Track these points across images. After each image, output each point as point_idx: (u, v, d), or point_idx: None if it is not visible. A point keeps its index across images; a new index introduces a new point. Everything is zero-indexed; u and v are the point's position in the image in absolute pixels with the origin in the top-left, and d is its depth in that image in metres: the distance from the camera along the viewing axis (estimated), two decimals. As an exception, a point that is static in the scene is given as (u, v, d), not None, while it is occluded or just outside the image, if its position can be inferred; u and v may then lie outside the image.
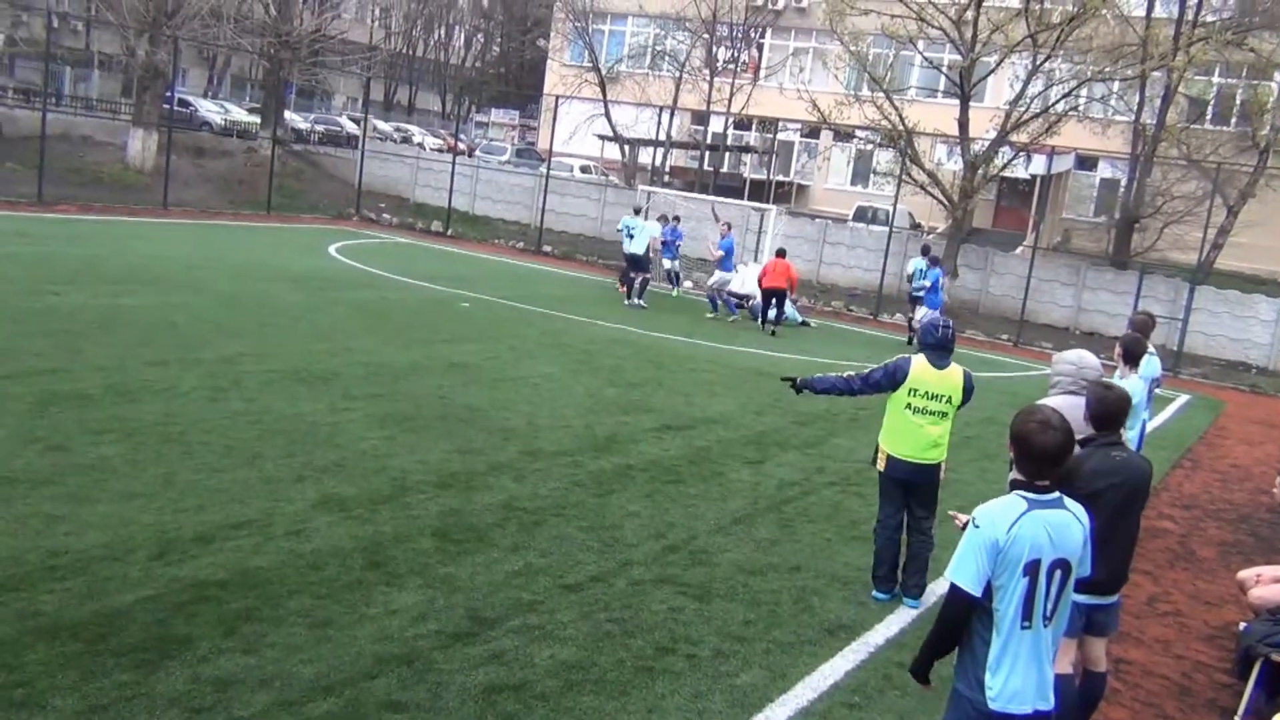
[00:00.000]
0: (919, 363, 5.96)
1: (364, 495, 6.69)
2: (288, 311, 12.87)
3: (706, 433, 9.53)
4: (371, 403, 8.93)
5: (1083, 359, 5.40)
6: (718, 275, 18.49)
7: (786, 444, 9.57)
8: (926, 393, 5.93)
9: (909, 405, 5.94)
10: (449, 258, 22.49)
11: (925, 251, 17.28)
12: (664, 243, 19.30)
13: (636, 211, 19.41)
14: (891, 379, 5.95)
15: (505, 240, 26.81)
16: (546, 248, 26.00)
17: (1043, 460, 3.32)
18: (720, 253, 18.41)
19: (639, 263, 18.05)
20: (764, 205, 23.64)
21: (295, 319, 12.42)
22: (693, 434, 9.41)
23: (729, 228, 19.28)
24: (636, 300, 17.68)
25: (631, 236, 18.22)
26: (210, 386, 8.75)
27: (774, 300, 17.79)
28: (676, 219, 19.78)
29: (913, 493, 6.14)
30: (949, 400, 5.99)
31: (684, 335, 15.43)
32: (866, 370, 6.04)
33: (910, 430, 5.98)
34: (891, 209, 24.64)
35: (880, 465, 6.09)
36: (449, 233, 26.81)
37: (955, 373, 6.02)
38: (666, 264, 19.74)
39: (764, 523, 7.27)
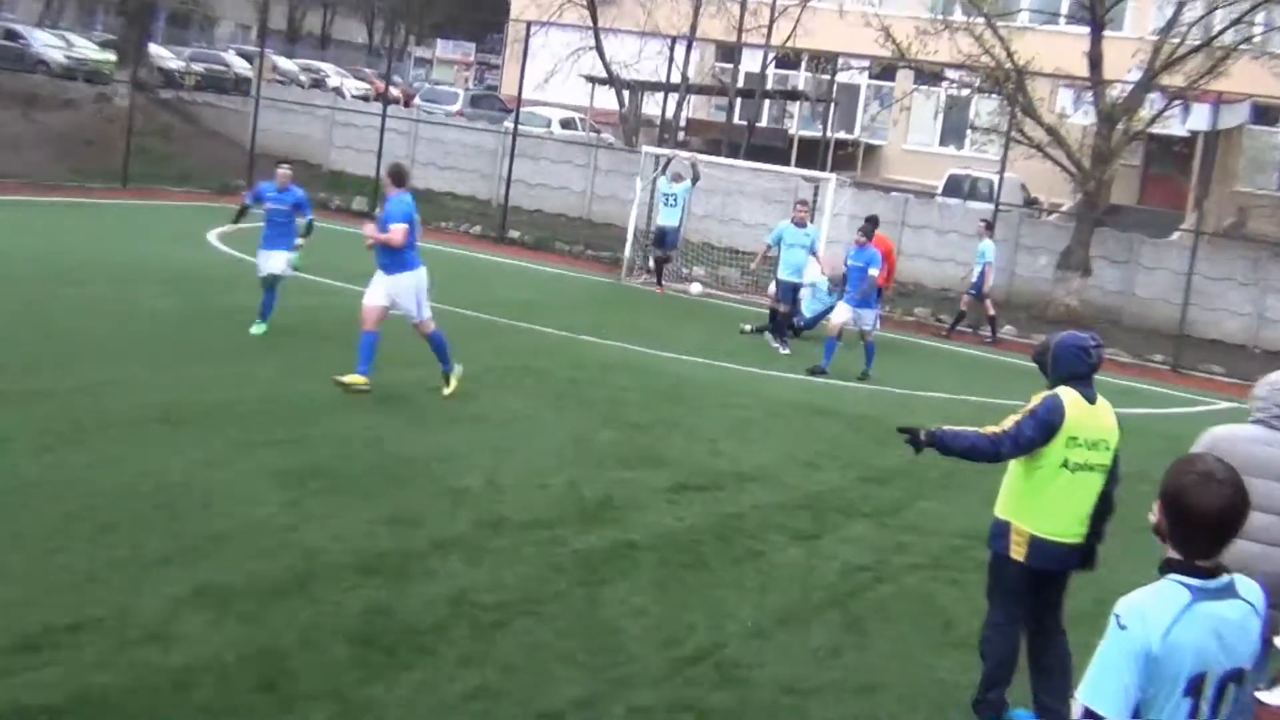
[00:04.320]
0: (1072, 400, 5.81)
1: (255, 585, 6.64)
2: (152, 323, 12.85)
3: (739, 495, 9.48)
4: (269, 452, 8.90)
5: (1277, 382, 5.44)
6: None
7: (853, 511, 9.52)
8: (1087, 440, 5.82)
9: (1066, 462, 5.83)
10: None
11: (867, 233, 15.89)
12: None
13: (800, 220, 17.28)
14: (1046, 430, 5.79)
15: (455, 223, 26.85)
16: (513, 234, 26.04)
17: (1204, 528, 3.25)
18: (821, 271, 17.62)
19: (788, 292, 17.18)
20: (818, 174, 23.71)
21: (162, 334, 12.41)
22: (720, 496, 9.36)
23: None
24: (776, 343, 16.76)
25: (787, 246, 16.96)
26: (41, 430, 8.72)
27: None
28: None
29: (1051, 584, 6.05)
30: (1107, 448, 5.91)
31: (706, 355, 15.42)
32: (1014, 423, 5.84)
33: (1066, 497, 5.85)
34: (997, 179, 24.67)
35: (1018, 552, 5.94)
36: (377, 213, 26.81)
37: (1107, 408, 5.96)
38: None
39: (821, 624, 7.22)
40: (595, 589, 7.23)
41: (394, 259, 11.22)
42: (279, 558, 7.05)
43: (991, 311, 20.83)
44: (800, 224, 17.05)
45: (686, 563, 7.84)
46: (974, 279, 20.49)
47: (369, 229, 11.26)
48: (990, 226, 20.94)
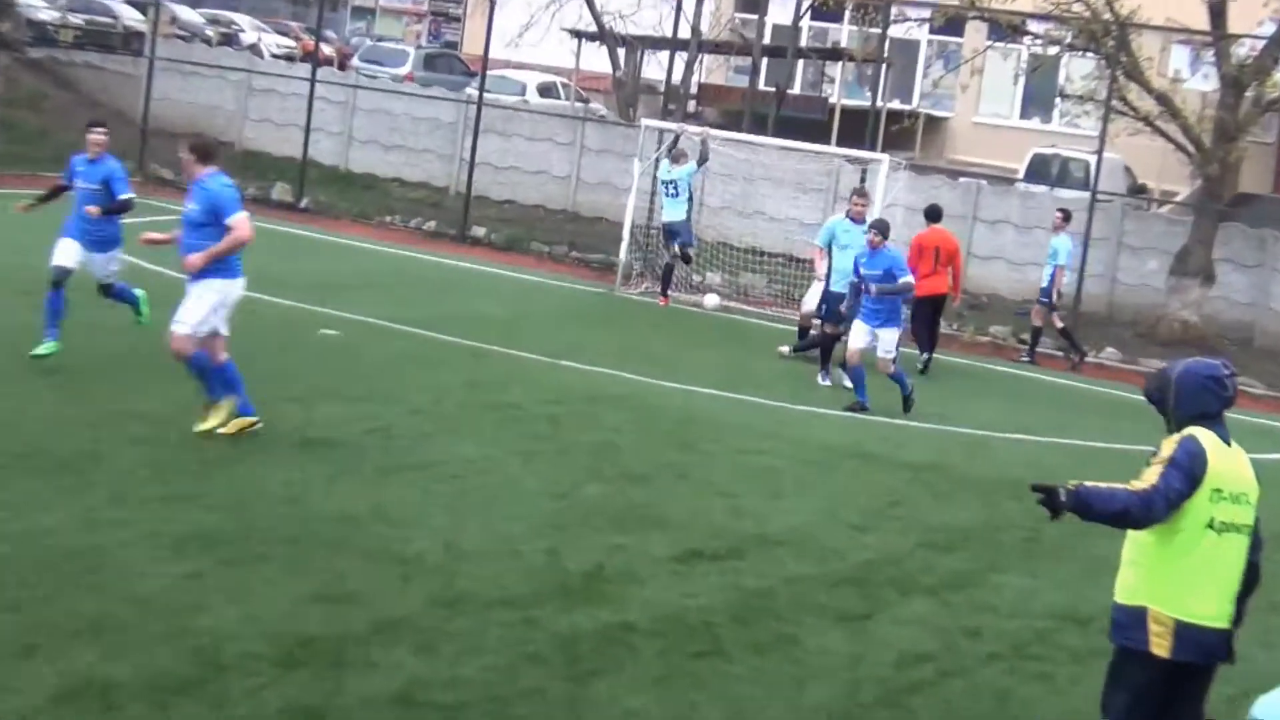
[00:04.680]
0: (1211, 444, 5.81)
1: (146, 680, 6.60)
2: (15, 345, 12.83)
3: (766, 564, 9.49)
4: (163, 511, 8.88)
5: None
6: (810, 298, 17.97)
7: (911, 585, 9.51)
8: (1230, 494, 5.84)
9: (1211, 521, 5.81)
10: (304, 248, 22.49)
11: (882, 230, 15.62)
12: None
13: (859, 214, 17.18)
14: (1191, 480, 5.79)
15: (404, 218, 26.87)
16: (478, 231, 26.06)
17: None
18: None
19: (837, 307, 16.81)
20: (866, 153, 23.74)
21: (27, 359, 12.38)
22: (741, 567, 9.35)
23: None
24: (824, 377, 16.61)
25: (840, 248, 16.90)
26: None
27: (929, 316, 17.89)
28: None
29: (1192, 681, 5.99)
30: (1249, 502, 5.90)
31: (723, 386, 15.42)
32: (1158, 475, 5.77)
33: (1213, 567, 5.82)
34: (1094, 160, 24.70)
35: (1160, 646, 5.86)
36: (304, 204, 26.89)
37: (1243, 454, 5.96)
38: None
39: (871, 729, 7.18)
40: (580, 685, 7.20)
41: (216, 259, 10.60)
42: (177, 645, 7.00)
43: (1060, 324, 20.74)
44: (859, 219, 16.95)
45: (698, 651, 7.81)
46: (1045, 283, 20.53)
47: (190, 261, 10.45)
48: (1067, 218, 20.88)
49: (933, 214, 18.71)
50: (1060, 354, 21.34)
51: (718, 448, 12.61)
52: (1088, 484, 5.85)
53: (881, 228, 15.55)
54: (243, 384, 10.78)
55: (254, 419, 10.75)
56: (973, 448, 14.16)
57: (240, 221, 10.51)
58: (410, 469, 10.60)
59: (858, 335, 15.34)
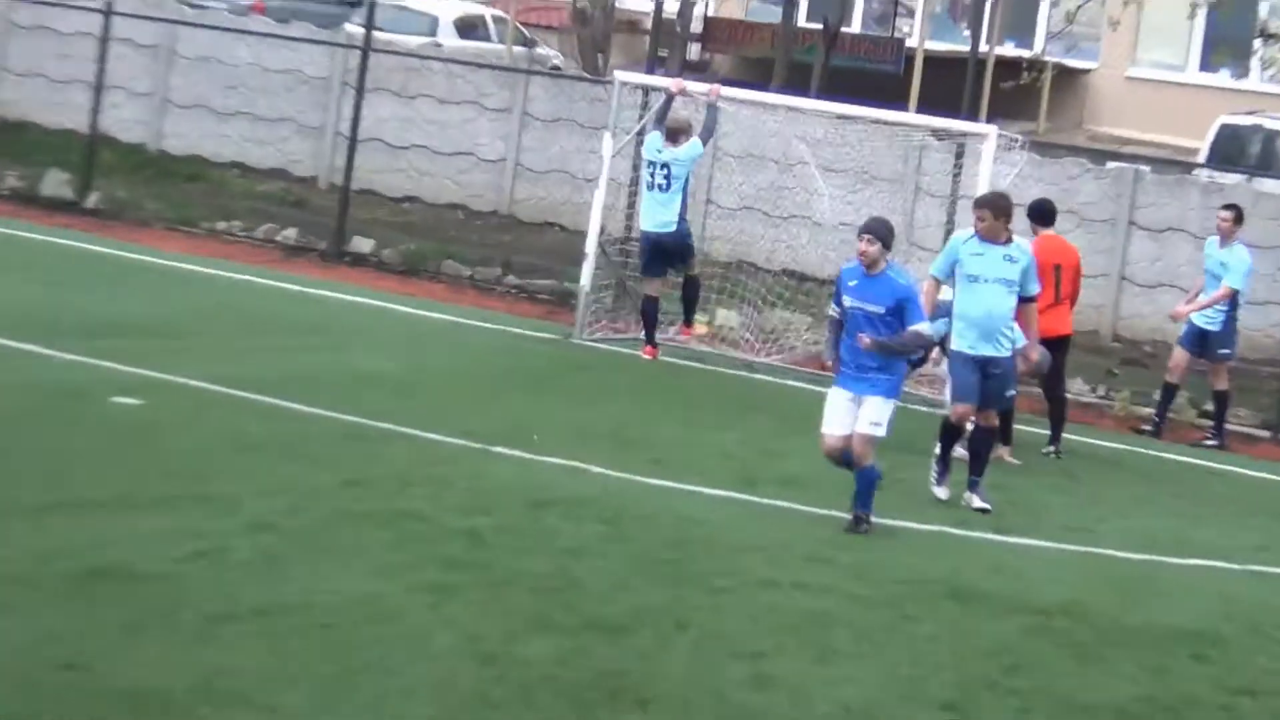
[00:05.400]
0: None
1: None
2: None
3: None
4: None
5: None
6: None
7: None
8: None
9: None
10: (90, 271, 22.49)
11: (881, 235, 14.72)
12: None
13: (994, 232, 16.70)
14: None
15: (249, 224, 26.87)
16: (361, 245, 26.08)
17: None
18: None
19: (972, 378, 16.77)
20: (964, 124, 23.81)
21: None
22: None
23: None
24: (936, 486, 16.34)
25: (967, 282, 16.39)
26: None
27: (1052, 369, 18.14)
28: None
29: None
30: None
31: (739, 485, 15.55)
32: None
33: None
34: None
35: None
36: (92, 203, 26.89)
37: None
38: None
39: None
40: None
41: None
42: None
43: (1222, 385, 20.59)
44: (996, 239, 16.10)
45: None
46: (1213, 319, 20.55)
47: None
48: (1239, 218, 20.74)
49: (1042, 214, 18.60)
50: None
51: (733, 581, 12.60)
52: None
53: (880, 231, 14.67)
54: None
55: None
56: (1132, 581, 14.21)
57: None
58: (254, 616, 10.46)
59: (837, 411, 14.51)
